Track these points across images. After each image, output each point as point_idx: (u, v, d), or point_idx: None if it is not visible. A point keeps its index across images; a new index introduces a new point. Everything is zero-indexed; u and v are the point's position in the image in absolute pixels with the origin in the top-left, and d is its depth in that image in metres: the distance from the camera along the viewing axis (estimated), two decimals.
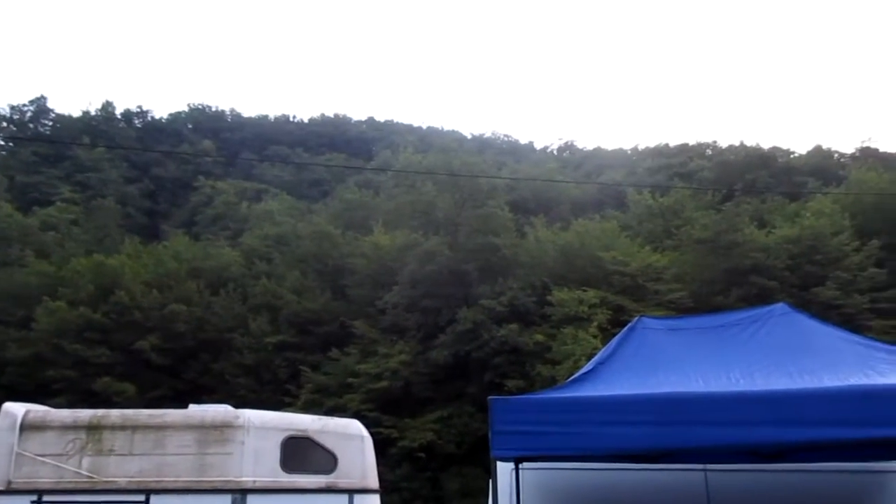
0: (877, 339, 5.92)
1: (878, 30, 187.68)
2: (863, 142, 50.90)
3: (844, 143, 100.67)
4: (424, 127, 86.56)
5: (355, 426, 8.17)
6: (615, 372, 5.45)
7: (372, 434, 8.32)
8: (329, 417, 8.72)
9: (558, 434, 4.57)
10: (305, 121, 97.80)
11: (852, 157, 49.46)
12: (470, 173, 31.78)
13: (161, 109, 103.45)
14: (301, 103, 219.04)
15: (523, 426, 4.70)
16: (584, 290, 26.27)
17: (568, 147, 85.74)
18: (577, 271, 28.75)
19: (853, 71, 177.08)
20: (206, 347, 30.55)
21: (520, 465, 5.63)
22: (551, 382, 18.79)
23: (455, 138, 65.10)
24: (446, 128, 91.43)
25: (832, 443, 5.20)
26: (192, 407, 8.13)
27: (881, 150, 47.05)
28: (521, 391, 19.32)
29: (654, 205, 35.78)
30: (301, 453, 7.65)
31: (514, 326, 25.75)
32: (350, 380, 26.73)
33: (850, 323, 22.45)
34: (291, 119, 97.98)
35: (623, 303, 26.22)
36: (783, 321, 5.98)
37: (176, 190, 69.65)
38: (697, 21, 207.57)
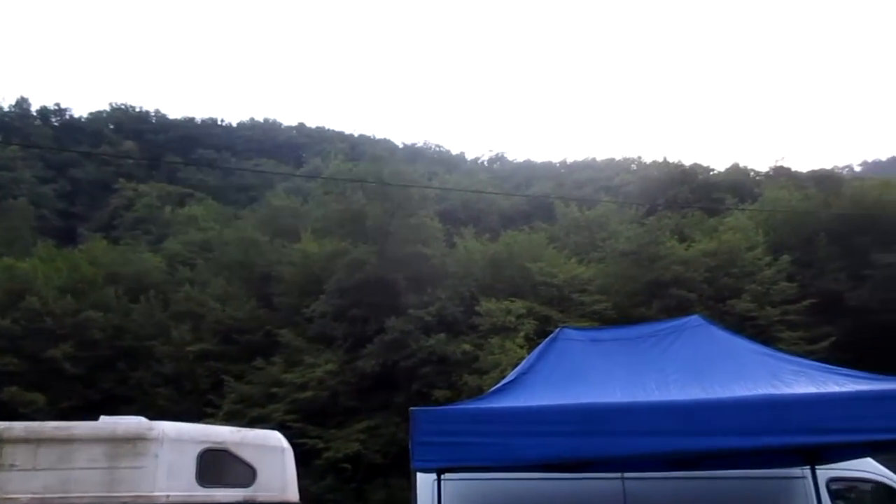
0: (784, 351, 6.19)
1: (791, 56, 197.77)
2: (776, 161, 53.22)
3: (760, 162, 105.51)
4: (356, 135, 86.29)
5: (275, 437, 8.00)
6: (536, 382, 5.52)
7: (296, 445, 8.16)
8: (249, 429, 8.50)
9: (479, 445, 4.59)
10: (234, 125, 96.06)
11: (766, 175, 51.68)
12: (401, 183, 31.74)
13: (81, 108, 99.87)
14: (229, 106, 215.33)
15: (444, 437, 4.70)
16: (512, 301, 26.53)
17: (498, 159, 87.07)
18: (505, 282, 29.03)
19: (769, 93, 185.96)
20: (123, 356, 29.41)
21: (441, 476, 5.62)
22: (478, 392, 18.86)
23: (387, 147, 65.09)
24: (378, 136, 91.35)
25: (742, 450, 5.41)
26: (104, 419, 7.78)
27: (793, 169, 49.38)
28: (448, 401, 19.32)
29: (581, 217, 36.51)
30: (219, 466, 7.44)
31: (441, 336, 25.77)
32: (274, 390, 26.17)
33: (763, 334, 23.42)
34: (219, 122, 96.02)
35: (550, 313, 26.58)
36: (697, 333, 6.19)
37: (94, 192, 67.10)
38: (625, 40, 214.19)
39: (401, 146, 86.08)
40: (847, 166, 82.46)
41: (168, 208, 54.38)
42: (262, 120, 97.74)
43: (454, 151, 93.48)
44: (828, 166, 58.14)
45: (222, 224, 42.60)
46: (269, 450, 7.74)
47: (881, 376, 5.39)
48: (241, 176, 66.53)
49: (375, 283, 28.22)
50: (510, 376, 5.97)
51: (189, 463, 7.25)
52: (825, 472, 7.11)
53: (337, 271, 29.12)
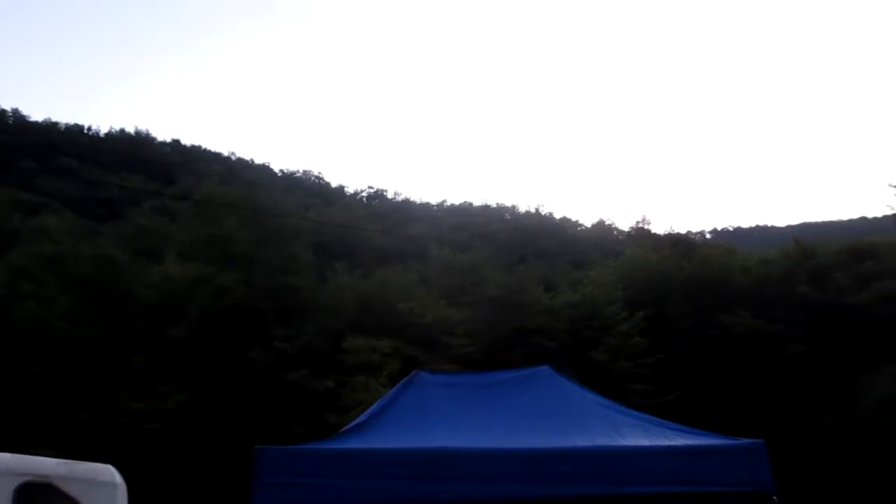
0: (626, 405, 6.50)
1: (657, 125, 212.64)
2: (637, 222, 56.72)
3: (623, 221, 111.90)
4: (234, 157, 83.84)
5: (108, 472, 7.39)
6: (387, 424, 5.51)
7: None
8: (78, 461, 7.81)
9: (321, 486, 4.51)
10: (101, 133, 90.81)
11: (628, 234, 54.86)
12: (276, 211, 31.13)
13: None
14: (98, 113, 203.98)
15: (286, 478, 4.58)
16: (379, 339, 26.44)
17: (378, 196, 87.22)
18: (373, 319, 28.89)
19: (633, 156, 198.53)
20: None
21: None
22: (338, 430, 18.53)
23: (265, 174, 63.88)
24: (257, 161, 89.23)
25: (578, 498, 5.61)
26: None
27: (653, 230, 52.70)
28: (306, 439, 18.83)
29: (454, 261, 37.12)
30: (40, 502, 6.78)
31: (305, 371, 25.22)
32: (120, 419, 24.49)
33: (617, 385, 24.53)
34: (85, 130, 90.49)
35: (416, 353, 26.65)
36: (546, 383, 6.42)
37: None
38: (504, 88, 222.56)
39: (279, 174, 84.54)
40: (700, 232, 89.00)
41: (18, 216, 50.26)
42: (133, 132, 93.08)
43: (333, 184, 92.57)
44: (683, 230, 62.56)
45: (78, 238, 39.85)
46: (101, 485, 7.13)
47: (709, 433, 5.77)
48: (105, 189, 62.81)
49: (240, 312, 27.29)
50: (362, 417, 5.93)
51: (5, 498, 6.57)
52: None
53: (200, 297, 27.92)
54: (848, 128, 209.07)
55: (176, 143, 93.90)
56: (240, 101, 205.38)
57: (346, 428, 5.75)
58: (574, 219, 76.68)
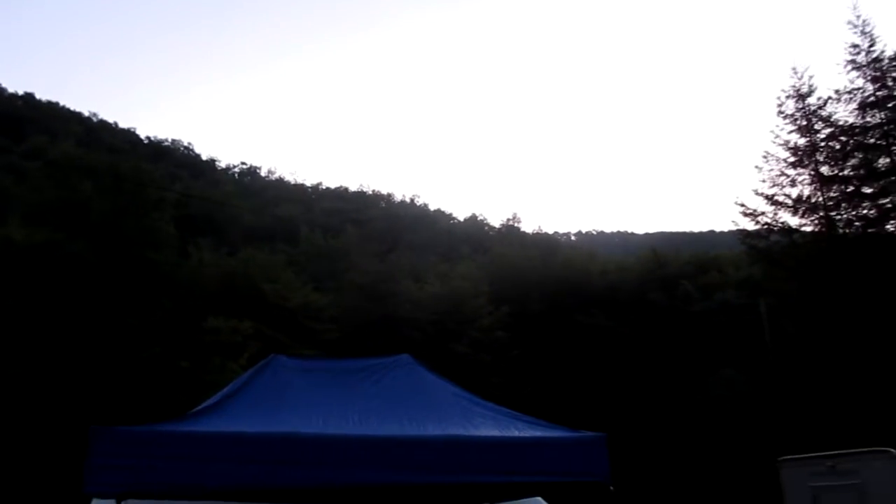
0: (480, 398, 6.61)
1: (532, 123, 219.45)
2: (508, 219, 58.40)
3: (495, 217, 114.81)
4: (95, 119, 78.18)
5: None
6: (239, 407, 5.35)
7: None
8: None
9: (163, 470, 4.31)
10: None
11: (499, 230, 56.36)
12: (138, 180, 29.41)
13: None
14: None
15: (125, 460, 4.34)
16: (241, 320, 25.68)
17: (250, 173, 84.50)
18: (236, 299, 28.01)
19: (508, 155, 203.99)
20: None
21: (122, 503, 5.17)
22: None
23: (129, 140, 60.12)
24: (121, 125, 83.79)
25: (427, 485, 5.71)
26: None
27: (522, 229, 54.40)
28: (153, 420, 17.95)
29: (325, 245, 36.68)
30: None
31: (158, 350, 24.04)
32: None
33: (478, 376, 25.13)
34: None
35: (278, 337, 26.11)
36: (405, 372, 6.47)
37: None
38: (388, 76, 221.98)
39: (145, 140, 79.91)
40: (565, 233, 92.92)
41: None
42: None
43: (204, 156, 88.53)
44: (550, 231, 65.17)
45: None
46: None
47: (557, 426, 6.02)
48: None
49: (91, 284, 25.59)
50: (212, 399, 5.73)
51: None
52: None
53: (45, 264, 25.93)
54: (708, 145, 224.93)
55: (29, 97, 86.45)
56: (105, 57, 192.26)
57: (194, 410, 5.53)
58: (448, 212, 77.93)
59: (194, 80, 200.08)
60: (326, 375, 6.36)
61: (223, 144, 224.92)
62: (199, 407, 5.64)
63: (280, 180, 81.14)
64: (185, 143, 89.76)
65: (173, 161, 68.34)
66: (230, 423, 4.96)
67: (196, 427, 4.78)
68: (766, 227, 26.67)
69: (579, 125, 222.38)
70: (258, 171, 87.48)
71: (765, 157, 26.59)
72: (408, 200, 75.80)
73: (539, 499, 8.10)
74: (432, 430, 5.20)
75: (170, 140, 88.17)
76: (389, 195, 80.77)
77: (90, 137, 51.65)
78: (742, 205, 26.80)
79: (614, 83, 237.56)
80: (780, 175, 26.29)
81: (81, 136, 49.41)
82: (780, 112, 26.48)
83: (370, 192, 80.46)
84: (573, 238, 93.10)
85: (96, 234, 27.30)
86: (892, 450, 11.72)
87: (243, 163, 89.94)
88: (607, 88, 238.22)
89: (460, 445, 4.93)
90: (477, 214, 77.52)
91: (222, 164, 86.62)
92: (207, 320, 25.47)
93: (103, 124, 77.80)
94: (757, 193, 26.59)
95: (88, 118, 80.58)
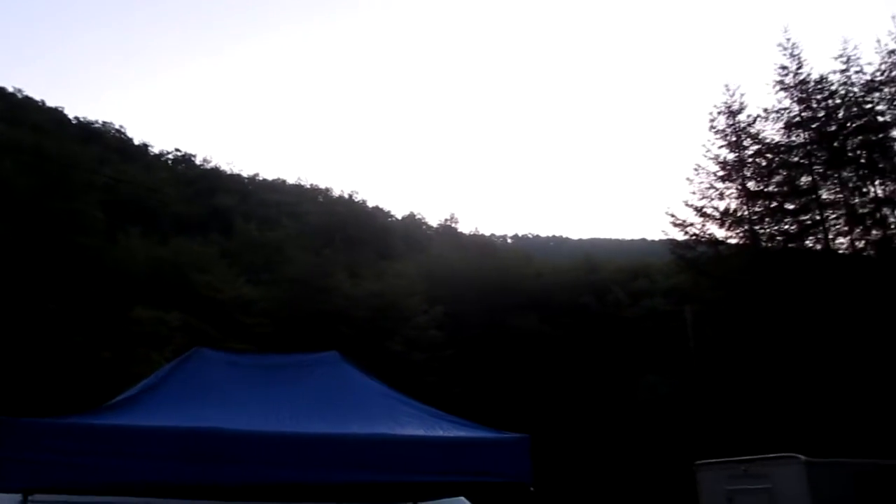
0: (408, 397, 6.61)
1: (473, 124, 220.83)
2: (446, 219, 58.64)
3: (433, 217, 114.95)
4: (20, 95, 74.50)
5: None
6: (158, 401, 5.20)
7: None
8: None
9: (72, 465, 4.15)
10: None
11: (436, 230, 56.55)
12: (65, 161, 28.26)
13: None
14: None
15: (33, 454, 4.17)
16: (169, 311, 25.02)
17: (185, 160, 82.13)
18: (165, 290, 27.26)
19: (448, 155, 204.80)
20: None
21: (29, 498, 4.96)
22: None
23: (56, 118, 57.68)
24: (49, 103, 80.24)
25: (350, 485, 5.67)
26: None
27: (459, 229, 54.71)
28: (68, 412, 17.28)
29: (260, 237, 36.08)
30: None
31: (80, 339, 23.17)
32: None
33: (411, 375, 25.13)
34: None
35: (207, 329, 25.54)
36: (332, 369, 6.41)
37: None
38: (329, 74, 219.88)
39: (74, 121, 76.81)
40: (502, 236, 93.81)
41: None
42: None
43: (136, 141, 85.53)
44: (487, 233, 65.69)
45: None
46: None
47: (483, 427, 6.06)
48: None
49: (9, 267, 24.47)
50: (131, 391, 5.54)
51: None
52: None
53: None
54: (644, 156, 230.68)
55: None
56: (32, 31, 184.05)
57: (109, 403, 5.34)
58: (386, 209, 77.58)
59: (130, 62, 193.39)
60: (251, 370, 6.24)
61: (157, 130, 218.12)
62: (115, 400, 5.45)
63: (216, 170, 79.09)
64: (117, 126, 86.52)
65: (104, 144, 65.86)
66: (146, 417, 4.81)
67: (108, 420, 4.61)
68: (694, 237, 27.47)
69: (519, 130, 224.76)
70: (193, 158, 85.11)
71: (696, 169, 27.38)
72: (346, 196, 75.09)
73: (462, 498, 8.16)
74: (357, 428, 5.16)
75: (100, 122, 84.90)
76: (327, 190, 79.84)
77: (13, 114, 49.31)
78: (672, 215, 27.57)
79: (556, 90, 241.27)
80: (709, 188, 27.10)
81: (4, 113, 47.18)
82: (712, 127, 27.32)
83: (308, 186, 79.42)
84: (509, 241, 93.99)
85: (16, 214, 26.13)
86: (801, 455, 12.28)
87: (178, 150, 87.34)
88: (548, 95, 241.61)
89: (385, 444, 4.92)
90: (415, 213, 77.50)
91: (155, 150, 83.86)
92: (133, 310, 24.70)
93: (29, 101, 74.30)
94: (687, 205, 27.37)
95: (12, 94, 76.84)
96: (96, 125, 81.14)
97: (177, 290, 27.36)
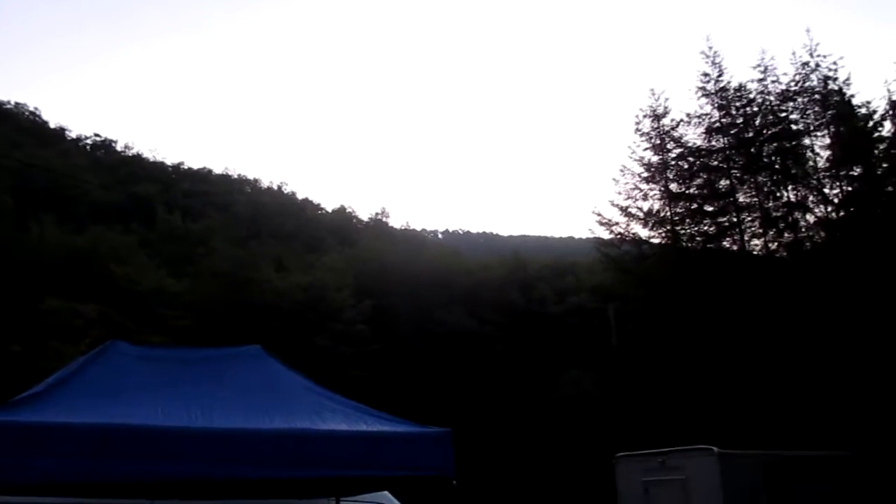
0: (332, 391, 6.53)
1: (406, 120, 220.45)
2: (376, 213, 58.33)
3: (363, 210, 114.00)
4: None
5: None
6: (67, 396, 4.97)
7: None
8: None
9: None
10: None
11: (367, 224, 56.19)
12: None
13: None
14: None
15: None
16: (84, 303, 24.00)
17: (105, 146, 78.94)
18: (80, 280, 26.15)
19: (380, 149, 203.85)
20: None
21: None
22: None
23: None
24: None
25: (272, 481, 5.57)
26: None
27: (390, 224, 54.57)
28: None
29: (183, 228, 35.04)
30: None
31: None
32: None
33: (338, 370, 24.90)
34: None
35: (125, 322, 24.63)
36: (254, 363, 6.28)
37: None
38: (259, 64, 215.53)
39: None
40: (433, 231, 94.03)
41: None
42: None
43: (52, 124, 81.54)
44: (417, 228, 65.77)
45: None
46: None
47: (406, 421, 6.05)
48: None
49: None
50: (39, 386, 5.28)
51: None
52: (348, 503, 7.72)
53: None
54: (572, 156, 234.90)
55: None
56: None
57: (17, 398, 5.07)
58: (316, 202, 76.54)
59: (48, 41, 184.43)
60: (169, 364, 6.05)
61: (75, 113, 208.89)
62: (23, 395, 5.18)
63: (138, 156, 76.24)
64: (31, 108, 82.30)
65: (16, 126, 62.62)
66: (54, 413, 4.59)
67: (12, 417, 4.37)
68: (619, 236, 28.16)
69: (450, 126, 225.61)
70: (113, 144, 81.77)
71: (622, 170, 28.06)
72: (274, 187, 73.82)
73: (386, 493, 8.15)
74: (279, 423, 5.07)
75: (12, 102, 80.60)
76: (255, 181, 78.29)
77: None
78: (599, 214, 28.19)
79: (487, 89, 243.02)
80: (634, 189, 27.81)
81: None
82: (638, 129, 28.03)
83: (235, 177, 77.61)
84: (440, 236, 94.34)
85: None
86: (714, 447, 12.78)
87: (97, 134, 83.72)
88: (481, 93, 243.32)
89: (307, 439, 4.85)
90: (345, 206, 76.77)
91: (73, 134, 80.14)
92: (45, 301, 23.61)
93: None
94: (613, 204, 28.03)
95: None
96: (8, 106, 76.99)
97: (93, 280, 26.29)
